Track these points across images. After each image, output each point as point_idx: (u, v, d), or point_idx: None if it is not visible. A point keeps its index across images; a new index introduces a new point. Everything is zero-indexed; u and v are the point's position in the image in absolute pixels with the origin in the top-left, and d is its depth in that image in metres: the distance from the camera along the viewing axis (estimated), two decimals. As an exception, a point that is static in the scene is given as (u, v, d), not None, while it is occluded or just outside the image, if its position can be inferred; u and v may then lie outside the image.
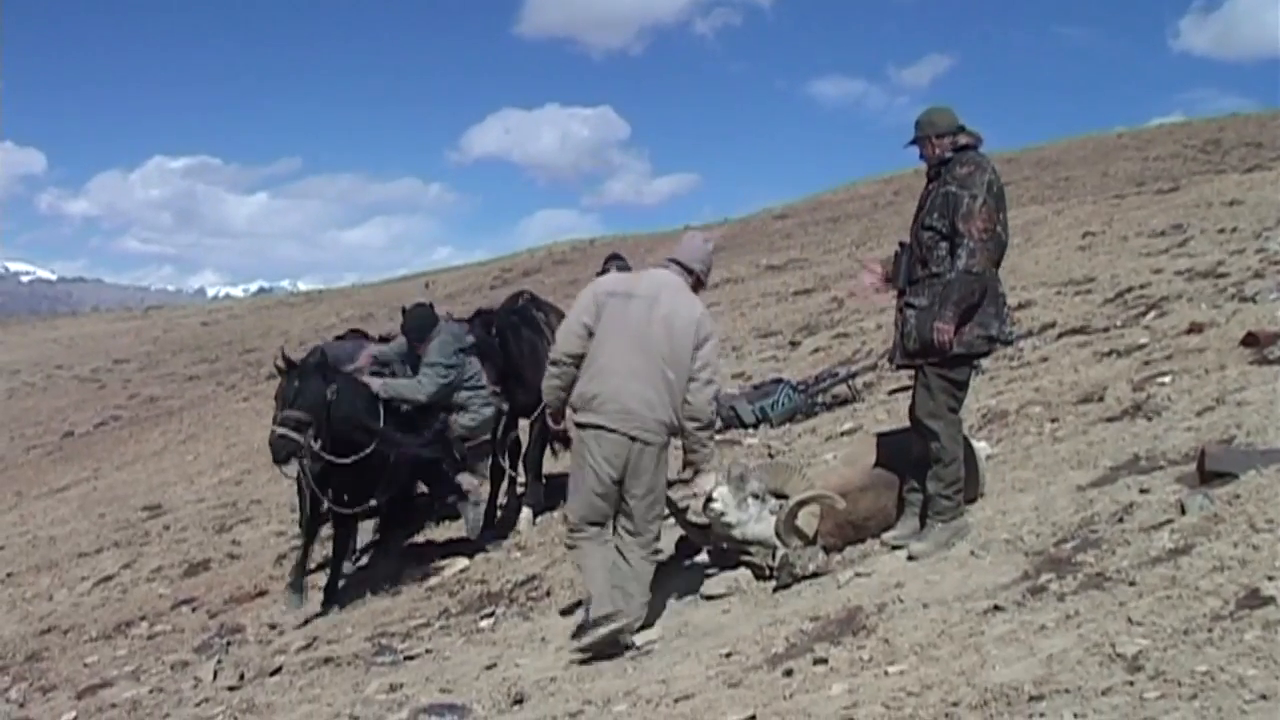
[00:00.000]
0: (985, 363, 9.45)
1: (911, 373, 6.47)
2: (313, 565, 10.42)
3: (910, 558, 6.04)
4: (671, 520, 7.72)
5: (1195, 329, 8.99)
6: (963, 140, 6.17)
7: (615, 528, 6.26)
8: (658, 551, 6.28)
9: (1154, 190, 20.29)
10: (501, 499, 9.98)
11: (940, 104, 6.37)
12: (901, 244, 6.37)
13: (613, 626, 5.90)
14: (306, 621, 8.59)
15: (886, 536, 6.45)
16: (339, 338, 10.60)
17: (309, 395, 8.41)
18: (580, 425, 6.18)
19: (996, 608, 4.82)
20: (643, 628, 6.15)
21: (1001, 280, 6.27)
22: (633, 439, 6.01)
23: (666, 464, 6.23)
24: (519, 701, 5.47)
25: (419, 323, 9.09)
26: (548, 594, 7.61)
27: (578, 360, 6.22)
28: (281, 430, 8.31)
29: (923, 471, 6.26)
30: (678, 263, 6.38)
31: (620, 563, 6.16)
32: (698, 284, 6.44)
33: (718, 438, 10.61)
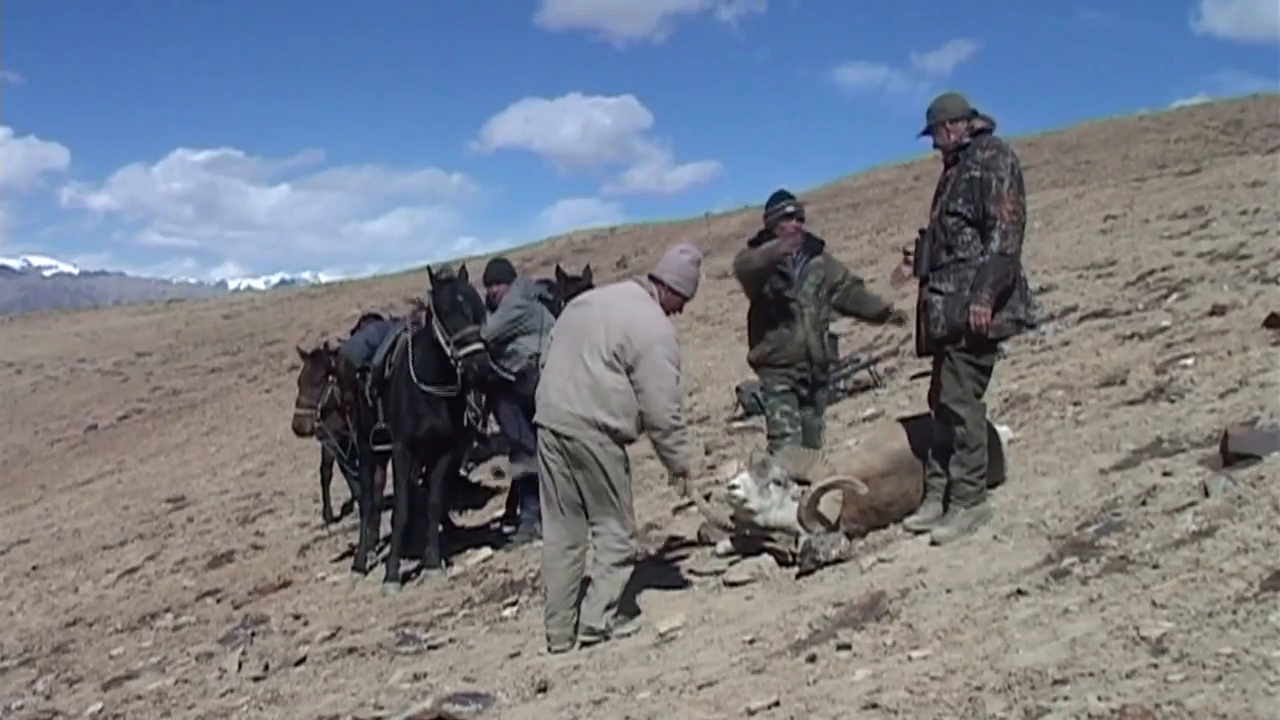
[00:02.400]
0: (1007, 346, 9.43)
1: (932, 359, 6.46)
2: (338, 556, 10.46)
3: (933, 542, 6.03)
4: (694, 507, 7.71)
5: (1217, 311, 8.95)
6: (978, 124, 6.14)
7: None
8: (623, 547, 6.16)
9: (1175, 172, 20.15)
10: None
11: (950, 91, 6.35)
12: (921, 231, 6.34)
13: (555, 646, 6.20)
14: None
15: (909, 521, 6.44)
16: (354, 330, 10.58)
17: (479, 308, 8.42)
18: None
19: (1020, 592, 4.81)
20: (663, 616, 6.17)
21: (1022, 264, 6.25)
22: (555, 434, 6.08)
23: (617, 458, 6.10)
24: (543, 690, 5.48)
25: (499, 271, 9.44)
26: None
27: None
28: (474, 347, 8.25)
29: (945, 456, 6.24)
30: (651, 276, 6.34)
31: (591, 562, 6.30)
32: (672, 294, 6.27)
33: (737, 424, 10.64)
